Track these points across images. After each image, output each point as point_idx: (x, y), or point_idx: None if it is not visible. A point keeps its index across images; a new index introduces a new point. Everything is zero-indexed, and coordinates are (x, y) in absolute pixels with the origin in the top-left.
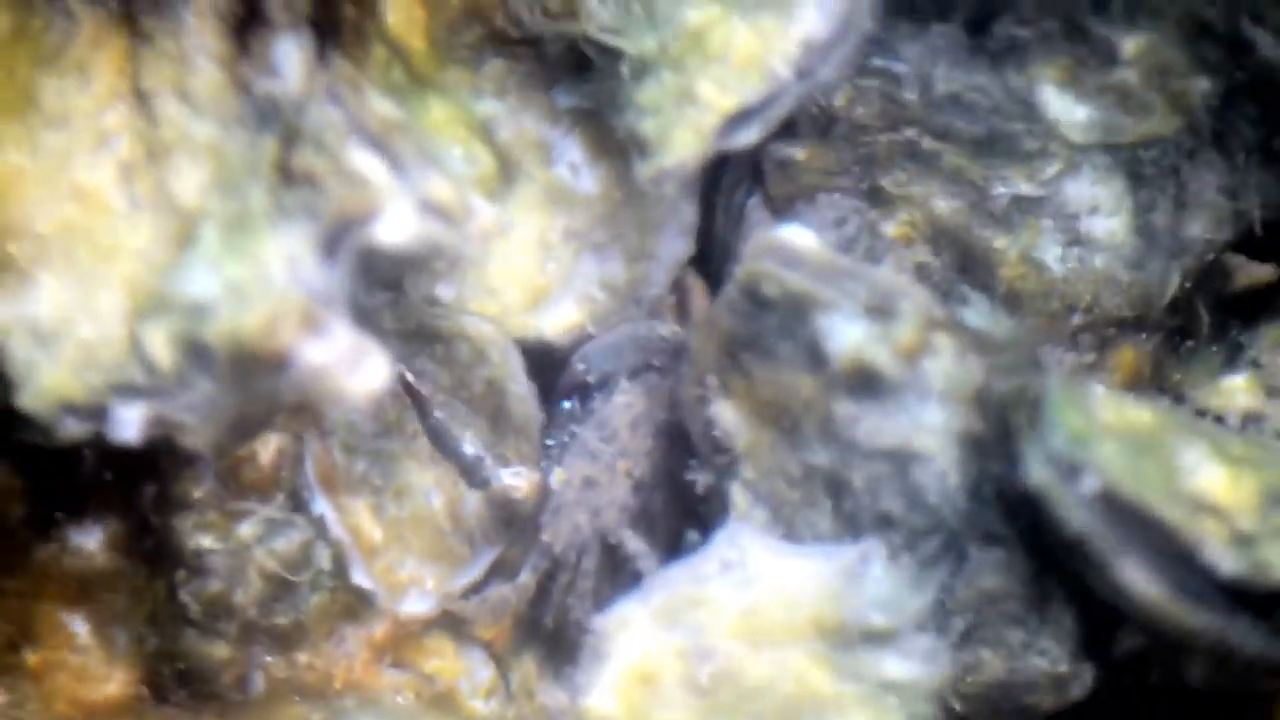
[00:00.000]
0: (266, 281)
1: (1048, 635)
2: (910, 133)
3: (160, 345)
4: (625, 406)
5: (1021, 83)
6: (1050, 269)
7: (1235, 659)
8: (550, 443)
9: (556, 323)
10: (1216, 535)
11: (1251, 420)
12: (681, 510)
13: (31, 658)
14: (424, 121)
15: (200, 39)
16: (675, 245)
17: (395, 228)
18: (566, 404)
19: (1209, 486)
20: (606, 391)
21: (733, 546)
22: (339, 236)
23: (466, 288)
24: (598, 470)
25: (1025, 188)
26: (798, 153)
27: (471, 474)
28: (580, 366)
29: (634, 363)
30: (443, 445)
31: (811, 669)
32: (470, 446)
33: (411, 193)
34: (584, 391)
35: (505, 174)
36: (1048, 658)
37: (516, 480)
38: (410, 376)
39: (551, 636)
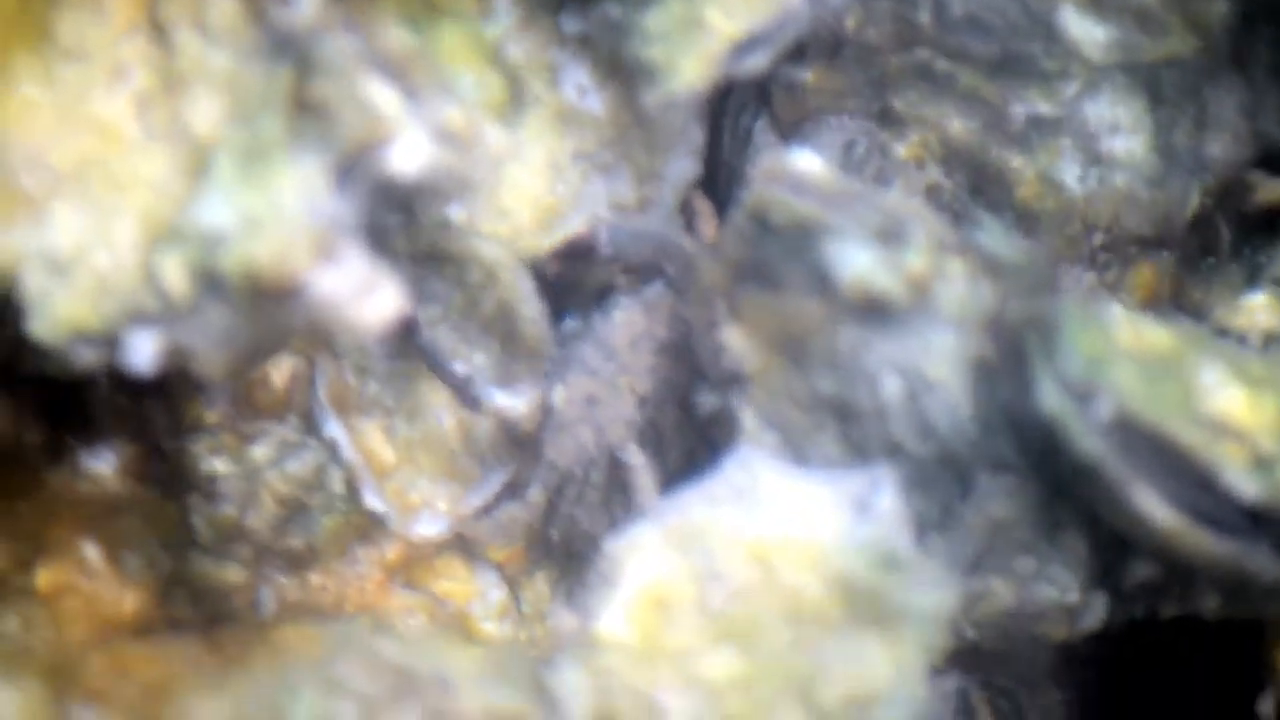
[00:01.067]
0: (280, 210)
1: (1059, 564)
2: (923, 54)
3: (174, 274)
4: (624, 324)
5: (1040, 3)
6: (1069, 188)
7: (1252, 586)
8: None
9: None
10: (1237, 458)
11: (1273, 340)
12: (691, 429)
13: (43, 581)
14: (436, 48)
15: None
16: (683, 166)
17: (409, 156)
18: (569, 321)
19: (1229, 408)
20: (605, 309)
21: (744, 470)
22: (353, 165)
23: (478, 209)
24: (599, 387)
25: (1044, 107)
26: (806, 75)
27: (462, 394)
28: (602, 234)
29: (648, 256)
30: (434, 366)
31: (824, 595)
32: (461, 366)
33: (424, 121)
34: (582, 256)
35: (515, 98)
36: (1058, 586)
37: (514, 400)
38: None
39: (562, 553)
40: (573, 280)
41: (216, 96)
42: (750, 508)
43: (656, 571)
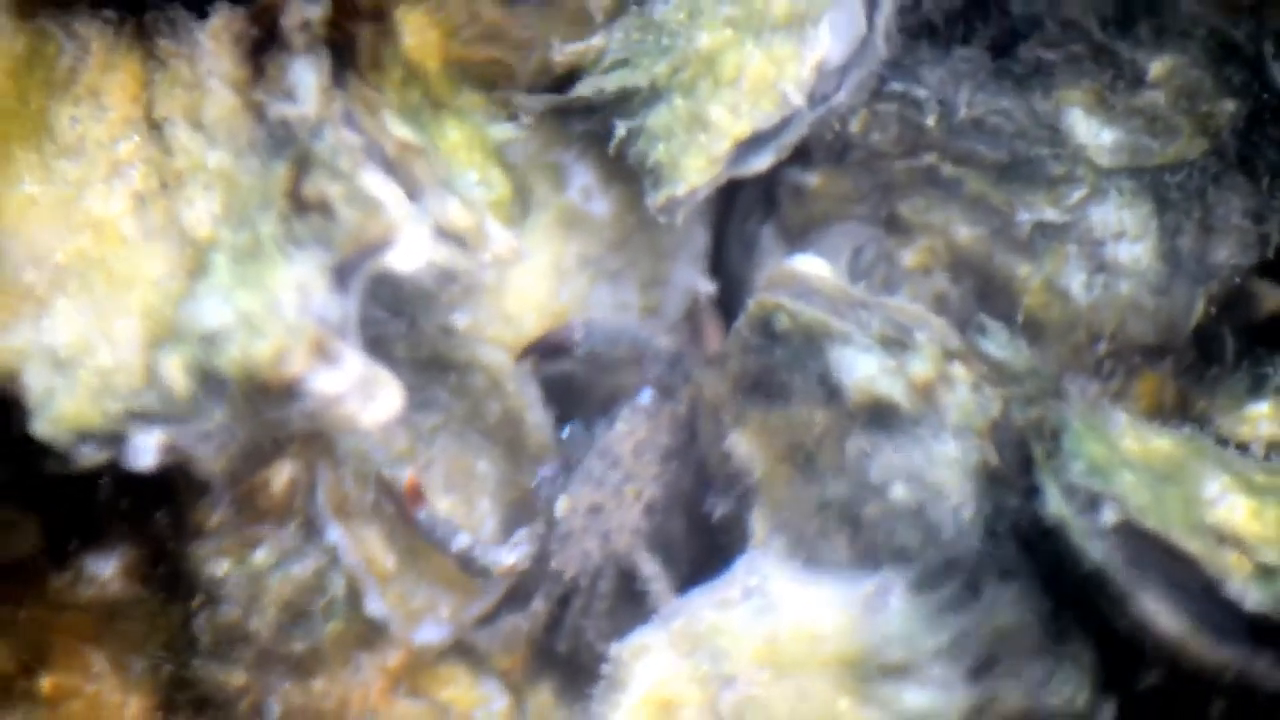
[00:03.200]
0: (277, 311)
1: (1066, 671)
2: (930, 158)
3: (175, 373)
4: (627, 434)
5: (1048, 106)
6: (1074, 296)
7: (1259, 695)
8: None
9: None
10: (1240, 568)
11: (1276, 449)
12: (700, 537)
13: (47, 685)
14: (440, 145)
15: (216, 63)
16: (688, 272)
17: (410, 254)
18: (567, 430)
19: (1232, 518)
20: (608, 419)
21: (753, 573)
22: (352, 264)
23: (483, 315)
24: (604, 496)
25: (1050, 213)
26: (812, 179)
27: (468, 566)
28: (578, 333)
29: (626, 356)
30: (434, 541)
31: (832, 698)
32: (460, 540)
33: (427, 218)
34: (557, 352)
35: (520, 198)
36: (1066, 693)
37: (511, 557)
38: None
39: (567, 663)
40: (555, 378)
41: (213, 194)
42: (758, 610)
43: (663, 675)
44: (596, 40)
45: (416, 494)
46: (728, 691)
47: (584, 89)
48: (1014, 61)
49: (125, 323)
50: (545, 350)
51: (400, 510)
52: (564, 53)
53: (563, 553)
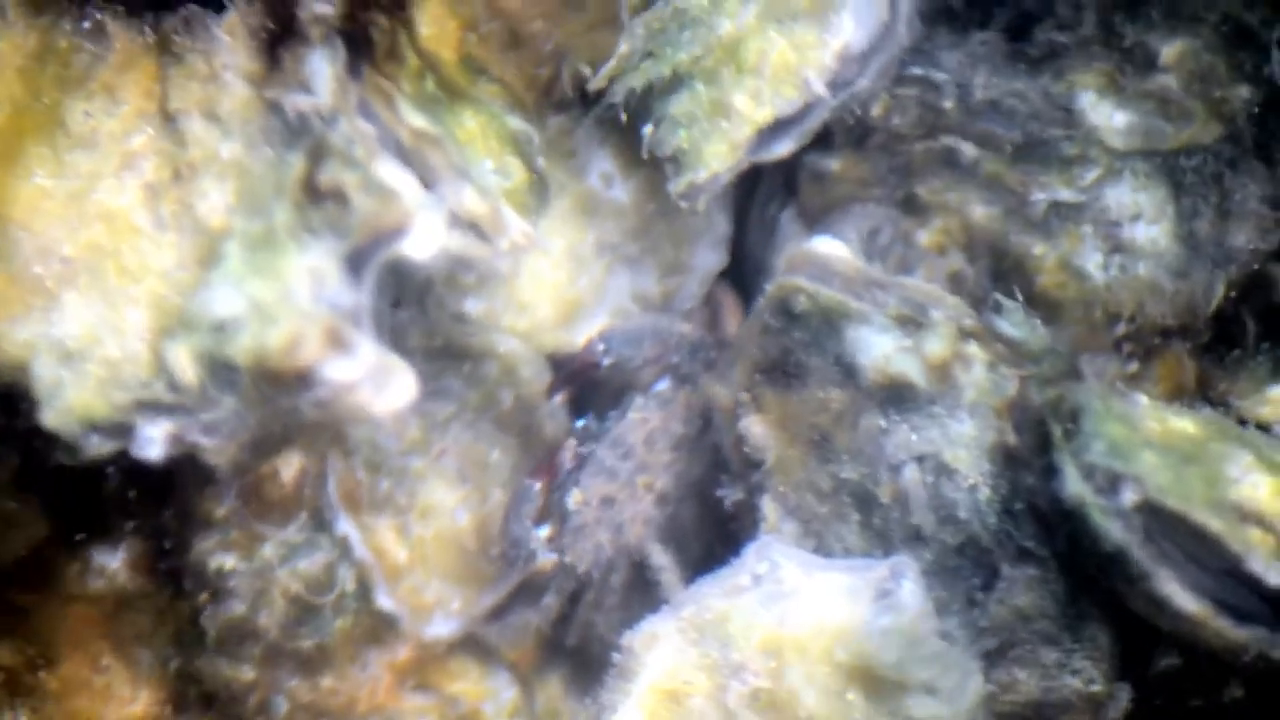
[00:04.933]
0: (290, 299)
1: (1083, 654)
2: (948, 140)
3: (185, 363)
4: (640, 423)
5: (1061, 89)
6: (1091, 276)
7: (1278, 675)
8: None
9: (589, 337)
10: (1262, 546)
11: None
12: (712, 525)
13: (54, 678)
14: (457, 133)
15: (231, 56)
16: (709, 257)
17: (425, 242)
18: (581, 421)
19: (1255, 496)
20: (620, 410)
21: (763, 560)
22: (366, 252)
23: (497, 303)
24: (616, 488)
25: (1065, 194)
26: (832, 164)
27: (514, 549)
28: (600, 346)
29: (650, 354)
30: (514, 508)
31: (842, 687)
32: (518, 524)
33: (442, 206)
34: (586, 375)
35: (538, 186)
36: (1083, 677)
37: (552, 557)
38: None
39: (577, 655)
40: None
41: (227, 185)
42: (769, 598)
43: (672, 664)
44: (623, 48)
45: (553, 472)
46: (736, 680)
47: (616, 94)
48: (1029, 45)
49: (134, 314)
50: (573, 377)
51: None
52: (598, 79)
53: (575, 546)
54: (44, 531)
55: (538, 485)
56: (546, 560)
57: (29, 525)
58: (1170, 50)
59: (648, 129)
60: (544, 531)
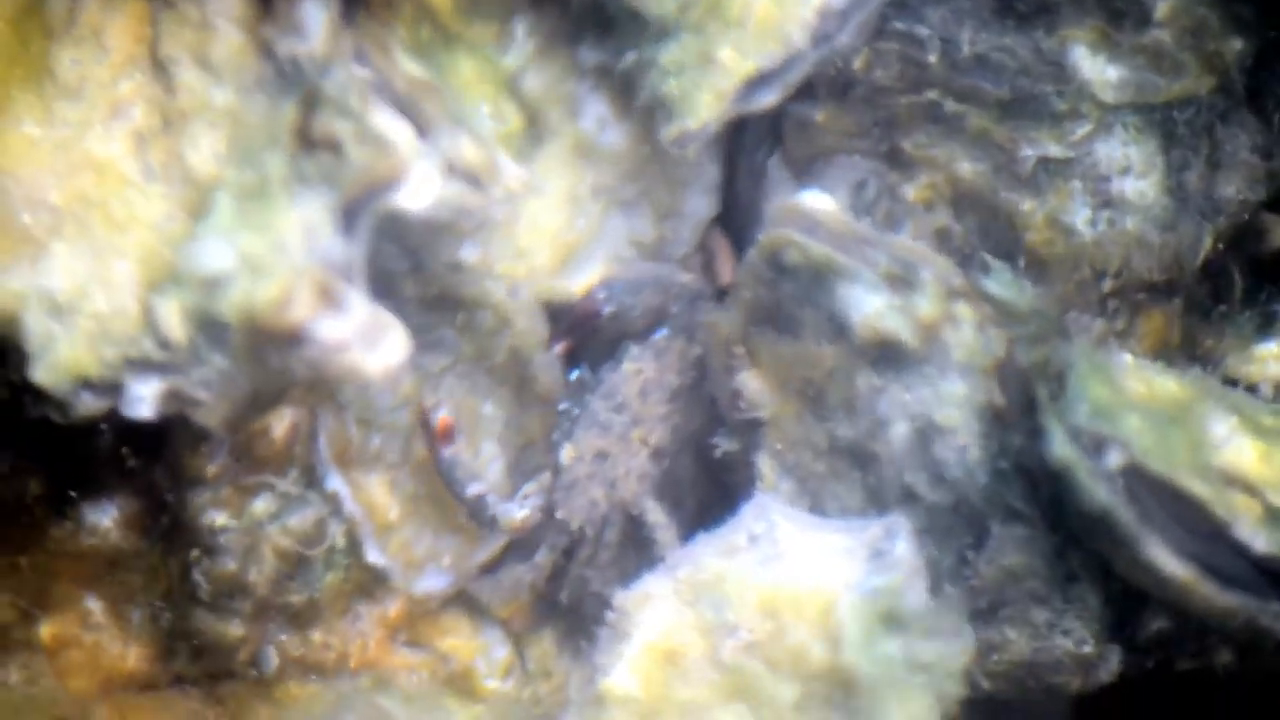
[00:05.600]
0: (282, 253)
1: (1073, 615)
2: (932, 94)
3: (174, 319)
4: (634, 374)
5: (1052, 43)
6: (1079, 232)
7: (1266, 641)
8: (561, 409)
9: (587, 283)
10: (1248, 511)
11: None
12: (708, 478)
13: (47, 634)
14: (452, 79)
15: (224, 2)
16: (701, 203)
17: (420, 192)
18: (575, 372)
19: (1240, 460)
20: (614, 360)
21: (759, 519)
22: (360, 203)
23: (494, 249)
24: (609, 442)
25: (1054, 149)
26: (816, 114)
27: (477, 514)
28: (601, 294)
29: (651, 302)
30: (450, 483)
31: (836, 647)
32: (474, 486)
33: (438, 155)
34: (588, 324)
35: (532, 130)
36: (1073, 638)
37: (522, 511)
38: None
39: (570, 613)
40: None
41: (218, 133)
42: (765, 558)
43: (666, 624)
44: None
45: (448, 432)
46: (730, 640)
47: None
48: (1016, 0)
49: (123, 266)
50: (575, 327)
51: (428, 443)
52: None
53: (568, 502)
54: (35, 488)
55: (446, 453)
56: (518, 516)
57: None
58: (1165, 4)
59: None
60: (530, 486)
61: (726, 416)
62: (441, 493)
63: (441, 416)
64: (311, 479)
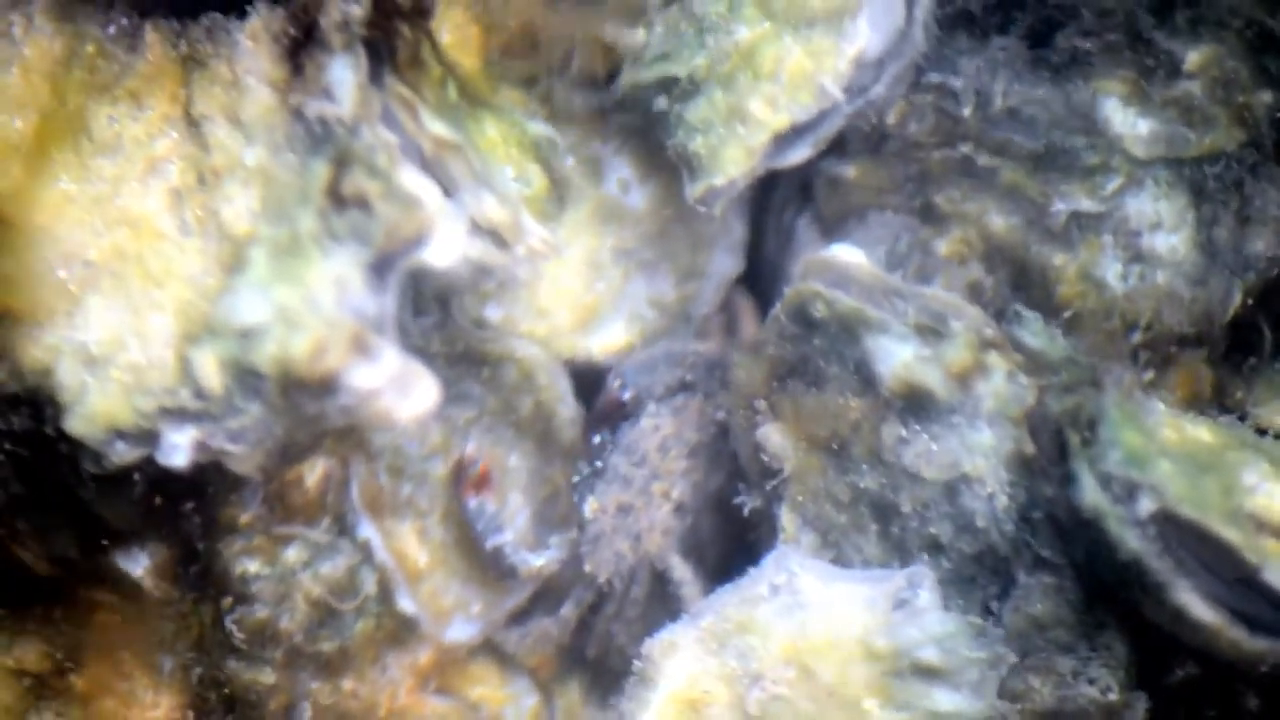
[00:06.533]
0: (315, 306)
1: (1099, 663)
2: (965, 148)
3: (210, 369)
4: (652, 430)
5: (1084, 96)
6: (1110, 286)
7: None
8: (582, 473)
9: (606, 343)
10: (1278, 556)
11: None
12: (730, 535)
13: (80, 683)
14: (478, 141)
15: (254, 62)
16: (725, 263)
17: (446, 250)
18: (597, 437)
19: (1272, 505)
20: (634, 418)
21: (781, 570)
22: (390, 259)
23: (516, 309)
24: (631, 495)
25: (1086, 204)
26: (849, 170)
27: (497, 563)
28: (616, 383)
29: (668, 379)
30: (473, 531)
31: (860, 697)
32: (497, 537)
33: (463, 214)
34: (616, 415)
35: (556, 192)
36: (1099, 686)
37: (539, 560)
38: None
39: (596, 664)
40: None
41: (251, 191)
42: (787, 608)
43: (691, 673)
44: (640, 33)
45: (483, 481)
46: (755, 690)
47: (625, 80)
48: (1051, 51)
49: (159, 319)
50: (604, 419)
51: (458, 490)
52: (613, 36)
53: (595, 555)
54: (69, 540)
55: (473, 503)
56: (535, 564)
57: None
58: (1195, 56)
59: (665, 135)
60: (557, 538)
61: (748, 471)
62: (469, 541)
63: (481, 464)
64: (343, 527)
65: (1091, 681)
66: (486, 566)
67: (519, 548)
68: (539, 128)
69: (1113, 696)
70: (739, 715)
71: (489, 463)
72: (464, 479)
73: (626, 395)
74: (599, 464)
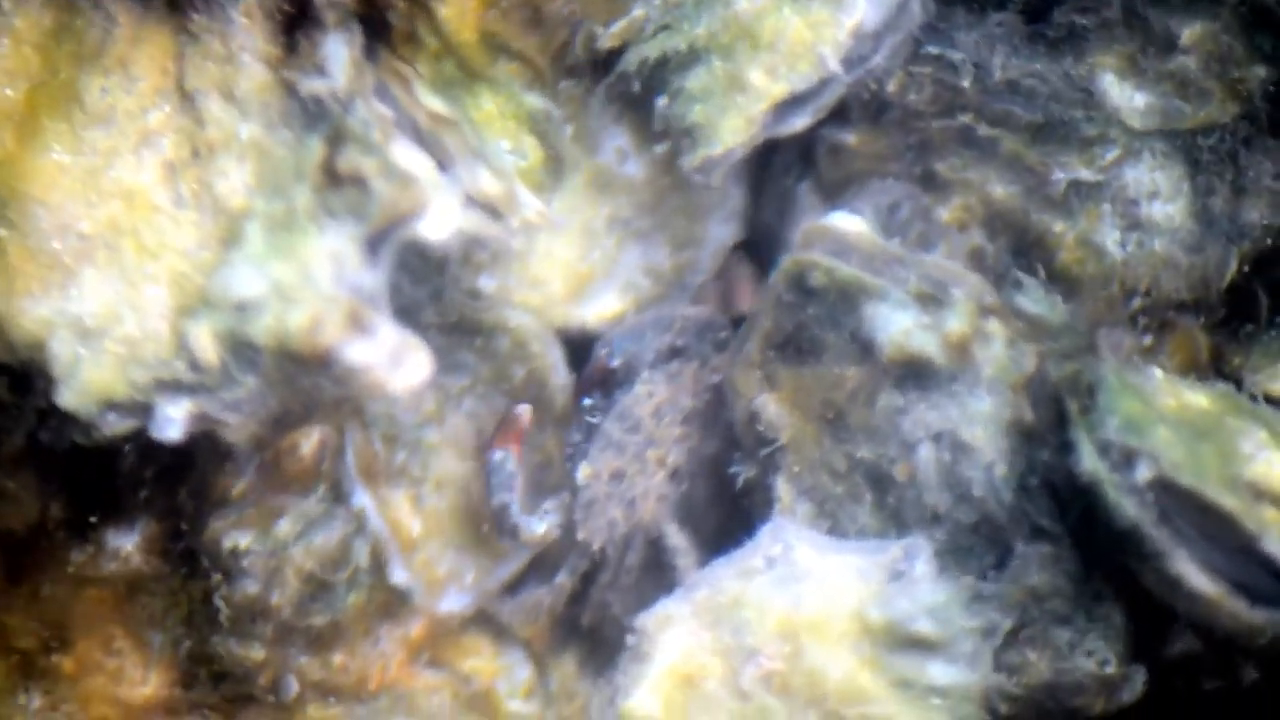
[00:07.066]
0: (311, 281)
1: (1096, 635)
2: (965, 118)
3: (206, 342)
4: (646, 396)
5: (1081, 70)
6: (1109, 253)
7: None
8: (576, 439)
9: (600, 312)
10: (1277, 526)
11: None
12: (725, 501)
13: (68, 660)
14: (474, 115)
15: (248, 38)
16: (722, 230)
17: (440, 224)
18: (587, 400)
19: (1270, 473)
20: (627, 384)
21: (777, 542)
22: (384, 234)
23: (510, 279)
24: (625, 462)
25: (1084, 173)
26: (850, 138)
27: (499, 522)
28: (604, 351)
29: (657, 344)
30: (484, 484)
31: (856, 670)
32: (503, 495)
33: (457, 188)
34: (606, 382)
35: (553, 164)
36: (1096, 658)
37: (542, 526)
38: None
39: (592, 635)
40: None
41: (246, 166)
42: (782, 580)
43: (686, 647)
44: (637, 11)
45: (518, 435)
46: (750, 664)
47: (629, 62)
48: (1048, 26)
49: (154, 292)
50: (593, 385)
51: (493, 438)
52: (608, 36)
53: (588, 522)
54: (38, 511)
55: (499, 454)
56: (538, 531)
57: (25, 505)
58: (1190, 32)
59: (662, 102)
60: (551, 503)
61: (743, 441)
62: (463, 509)
63: (528, 414)
64: (338, 494)
65: (1089, 654)
66: (488, 524)
67: (521, 512)
68: (535, 100)
69: (1110, 669)
70: (734, 690)
71: (527, 417)
72: (507, 428)
73: (615, 363)
74: (591, 421)
